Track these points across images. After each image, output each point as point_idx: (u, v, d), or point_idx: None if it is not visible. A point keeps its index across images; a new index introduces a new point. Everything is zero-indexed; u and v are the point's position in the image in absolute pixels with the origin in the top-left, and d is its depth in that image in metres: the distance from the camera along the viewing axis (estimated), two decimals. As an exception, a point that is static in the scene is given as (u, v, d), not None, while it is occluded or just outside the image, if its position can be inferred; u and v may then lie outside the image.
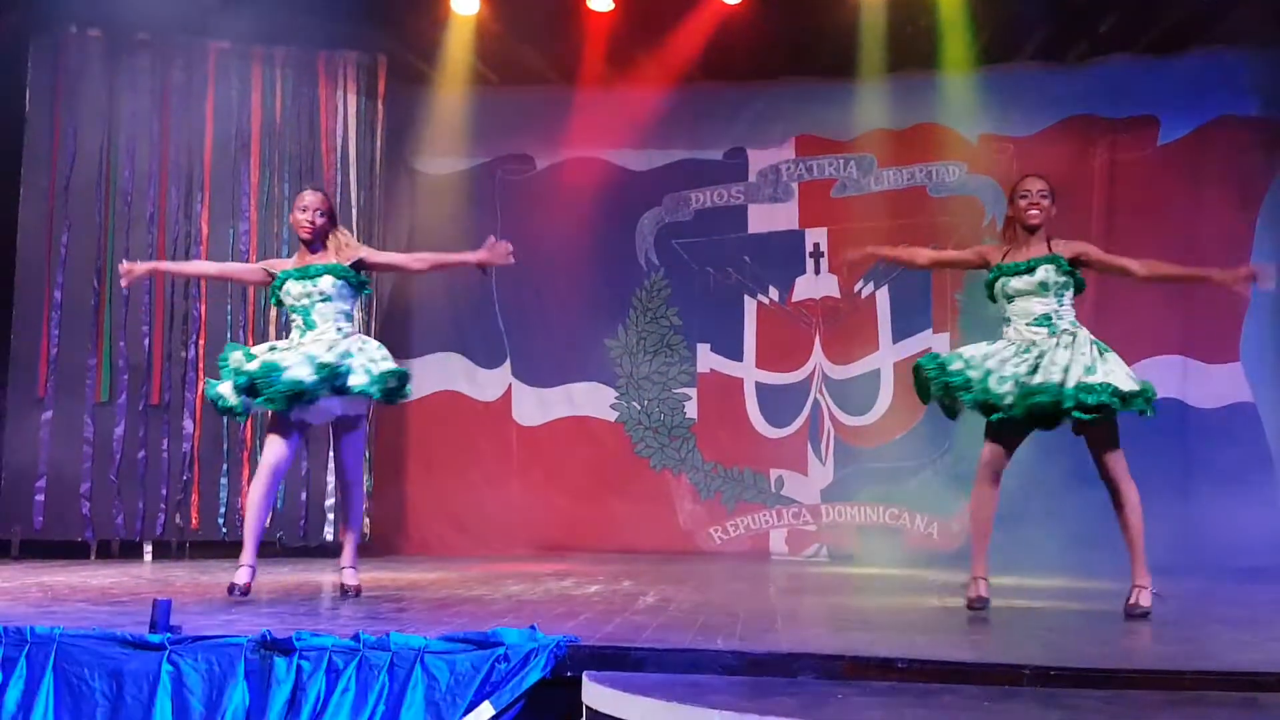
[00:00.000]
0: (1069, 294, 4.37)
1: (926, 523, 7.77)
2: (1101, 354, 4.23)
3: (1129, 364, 4.37)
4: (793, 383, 8.10)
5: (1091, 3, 7.29)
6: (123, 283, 4.80)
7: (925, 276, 7.92)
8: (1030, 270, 4.31)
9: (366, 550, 7.17)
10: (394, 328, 7.95)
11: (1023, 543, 6.98)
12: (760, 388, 8.16)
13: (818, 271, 8.14)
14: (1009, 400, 4.23)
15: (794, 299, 8.17)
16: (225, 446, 7.15)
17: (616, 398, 8.26)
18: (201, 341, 7.18)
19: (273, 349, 4.48)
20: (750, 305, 8.23)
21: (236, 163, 7.36)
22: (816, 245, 8.17)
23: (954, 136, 7.96)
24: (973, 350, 4.39)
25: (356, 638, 2.80)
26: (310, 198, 4.67)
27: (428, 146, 8.29)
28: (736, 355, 8.22)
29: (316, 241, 4.63)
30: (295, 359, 4.32)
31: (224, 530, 7.07)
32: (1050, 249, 4.38)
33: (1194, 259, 6.54)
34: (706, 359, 8.24)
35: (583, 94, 8.21)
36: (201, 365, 7.14)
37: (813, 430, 8.03)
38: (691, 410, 8.19)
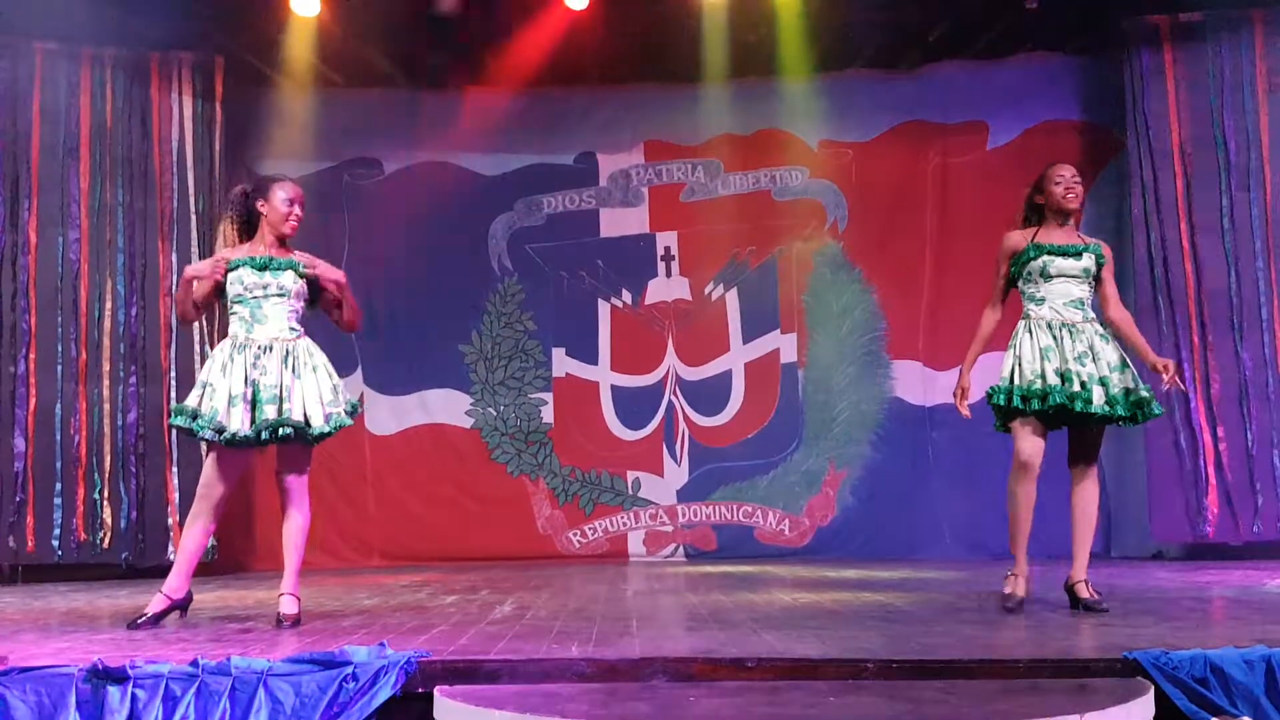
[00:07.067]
0: (1093, 286, 4.40)
1: (778, 519, 7.94)
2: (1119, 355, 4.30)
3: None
4: (647, 385, 8.18)
5: (921, 12, 7.57)
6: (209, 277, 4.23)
7: (772, 278, 8.12)
8: (1079, 255, 4.33)
9: (211, 569, 6.94)
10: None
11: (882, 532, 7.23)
12: (615, 390, 8.21)
13: (669, 274, 8.25)
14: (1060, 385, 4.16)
15: (646, 302, 8.25)
16: (59, 465, 6.81)
17: (472, 404, 8.19)
18: (32, 355, 6.83)
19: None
20: (604, 309, 8.27)
21: (65, 168, 7.04)
22: (667, 248, 8.27)
23: (796, 141, 8.18)
24: (1024, 366, 4.26)
25: (195, 663, 2.71)
26: (295, 190, 4.28)
27: (271, 150, 8.04)
28: (591, 359, 8.25)
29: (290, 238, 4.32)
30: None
31: (59, 553, 6.74)
32: (1082, 240, 4.40)
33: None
34: (562, 363, 8.24)
35: (430, 97, 8.16)
36: (33, 379, 6.79)
37: (668, 432, 8.12)
38: (548, 415, 8.18)
